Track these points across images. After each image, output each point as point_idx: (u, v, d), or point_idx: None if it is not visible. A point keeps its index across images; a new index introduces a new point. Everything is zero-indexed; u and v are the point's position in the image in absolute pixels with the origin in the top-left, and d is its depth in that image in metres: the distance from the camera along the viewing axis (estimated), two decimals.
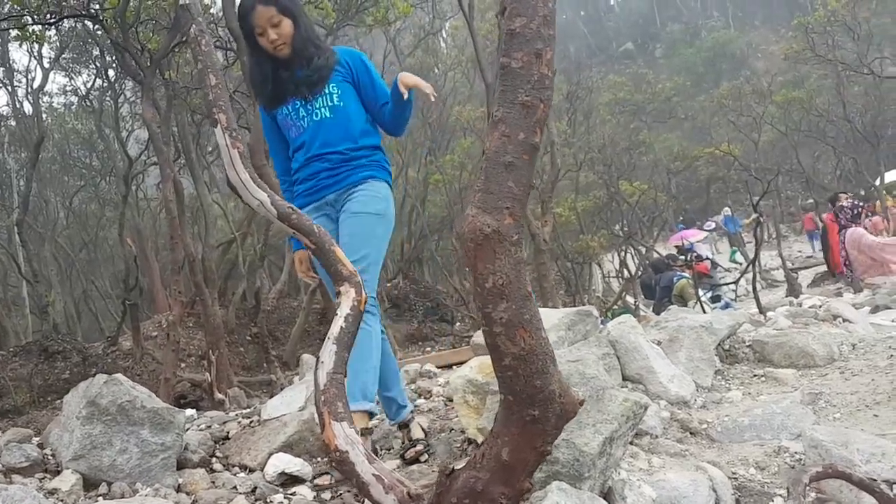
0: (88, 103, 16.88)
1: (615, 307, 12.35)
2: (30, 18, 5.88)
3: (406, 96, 2.87)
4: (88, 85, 17.11)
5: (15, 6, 6.21)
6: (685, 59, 49.87)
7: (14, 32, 7.50)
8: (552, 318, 4.54)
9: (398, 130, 3.19)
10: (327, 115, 3.01)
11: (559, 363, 1.54)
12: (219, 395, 9.50)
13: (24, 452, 3.19)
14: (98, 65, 15.78)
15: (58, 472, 3.09)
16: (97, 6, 6.40)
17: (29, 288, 15.48)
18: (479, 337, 4.41)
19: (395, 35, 14.21)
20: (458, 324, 17.09)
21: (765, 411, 3.20)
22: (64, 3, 6.15)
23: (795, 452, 2.82)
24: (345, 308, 1.84)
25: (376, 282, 3.03)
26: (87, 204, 20.25)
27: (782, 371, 4.00)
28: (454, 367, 5.51)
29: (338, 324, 1.81)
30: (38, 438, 3.43)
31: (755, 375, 4.03)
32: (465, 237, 1.36)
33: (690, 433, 3.29)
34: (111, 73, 15.35)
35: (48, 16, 5.84)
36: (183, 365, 12.06)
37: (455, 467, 1.62)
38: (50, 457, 3.25)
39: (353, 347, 2.96)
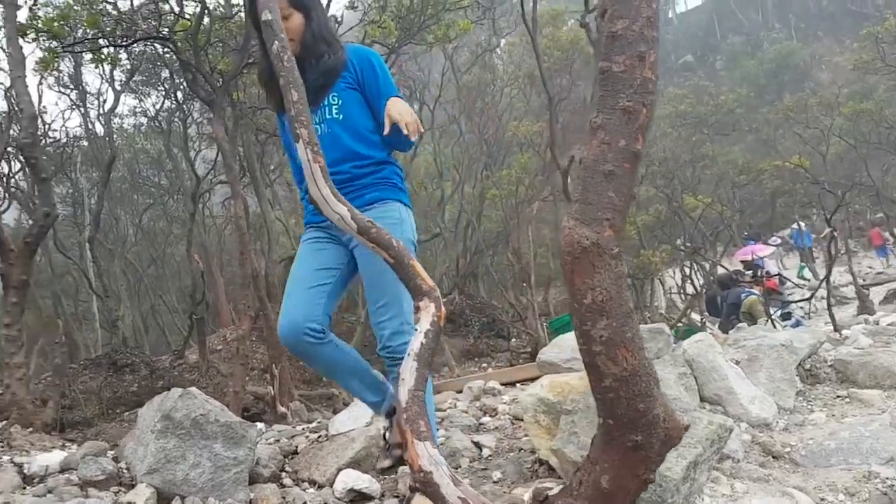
0: (157, 124, 17.46)
1: (679, 324, 12.05)
2: (104, 41, 6.10)
3: (386, 131, 2.54)
4: (157, 106, 17.70)
5: (88, 29, 6.44)
6: (747, 70, 48.80)
7: (88, 56, 7.82)
8: None
9: (399, 149, 2.90)
10: (325, 129, 2.71)
11: None
12: (281, 409, 9.61)
13: (99, 466, 3.24)
14: (167, 86, 16.32)
15: (132, 486, 3.13)
16: (167, 28, 6.61)
17: (99, 303, 16.01)
18: (546, 354, 4.33)
19: (453, 52, 14.28)
20: (514, 339, 16.94)
21: (852, 434, 3.05)
22: (135, 27, 6.37)
23: (887, 478, 2.67)
24: (424, 324, 1.81)
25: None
26: (156, 221, 20.90)
27: (867, 392, 3.81)
28: (518, 384, 5.43)
29: (418, 340, 1.78)
30: (112, 452, 3.50)
31: (838, 396, 3.84)
32: (562, 250, 1.30)
33: (773, 457, 3.16)
34: (179, 94, 15.86)
35: (121, 39, 6.04)
36: (246, 378, 12.25)
37: (549, 493, 1.56)
38: (125, 470, 3.31)
39: None
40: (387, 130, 2.52)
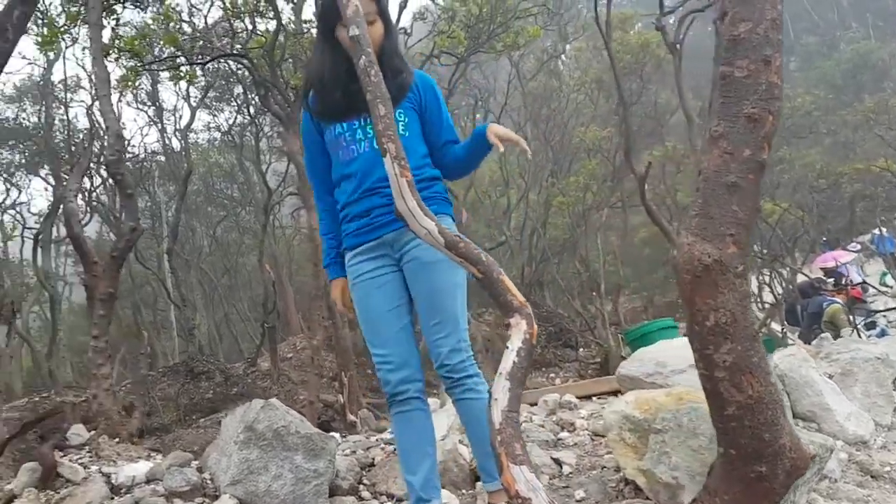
0: (230, 138, 17.97)
1: (759, 334, 11.61)
2: (183, 59, 6.29)
3: (501, 148, 2.48)
4: (230, 121, 18.22)
5: (166, 46, 6.65)
6: (823, 71, 46.98)
7: (166, 73, 8.10)
8: None
9: (458, 175, 2.81)
10: None
11: None
12: (351, 417, 9.68)
13: (184, 477, 3.30)
14: (239, 102, 16.78)
15: (216, 497, 3.17)
16: (239, 45, 6.77)
17: (176, 312, 16.53)
18: (626, 368, 4.21)
19: (519, 59, 14.20)
20: (582, 349, 16.67)
21: None
22: (209, 45, 6.55)
23: None
24: (516, 342, 1.75)
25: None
26: (229, 232, 21.49)
27: None
28: (594, 397, 5.30)
29: (510, 358, 1.72)
30: (196, 462, 3.55)
31: None
32: (681, 268, 1.21)
33: (871, 476, 2.99)
34: (251, 109, 16.29)
35: (199, 56, 6.21)
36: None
37: None
38: (208, 481, 3.35)
39: (475, 421, 2.60)
40: (501, 148, 2.48)
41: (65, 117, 15.76)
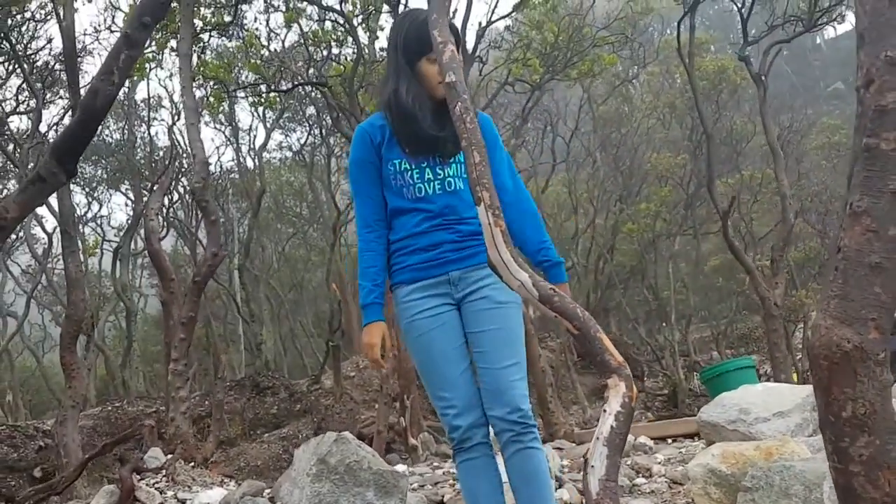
0: (301, 157, 18.36)
1: None
2: (265, 87, 6.46)
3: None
4: (302, 141, 18.63)
5: (250, 73, 6.83)
6: None
7: (244, 95, 8.34)
8: (793, 397, 4.07)
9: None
10: (461, 186, 2.50)
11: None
12: (412, 441, 9.64)
13: None
14: (311, 123, 17.14)
15: None
16: (314, 71, 6.90)
17: (244, 325, 16.88)
18: (707, 413, 4.04)
19: (590, 83, 14.08)
20: (648, 380, 16.28)
21: None
22: (288, 70, 6.70)
23: None
24: (614, 405, 1.66)
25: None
26: (296, 249, 21.89)
27: None
28: (670, 439, 5.12)
29: (607, 423, 1.63)
30: (268, 491, 3.56)
31: None
32: (817, 353, 1.12)
33: None
34: (322, 130, 16.62)
35: (280, 83, 6.36)
36: (376, 406, 12.48)
37: None
38: None
39: (534, 475, 2.39)
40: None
41: (146, 136, 16.41)
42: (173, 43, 6.44)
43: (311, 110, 16.35)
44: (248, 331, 16.73)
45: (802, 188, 15.29)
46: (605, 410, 1.70)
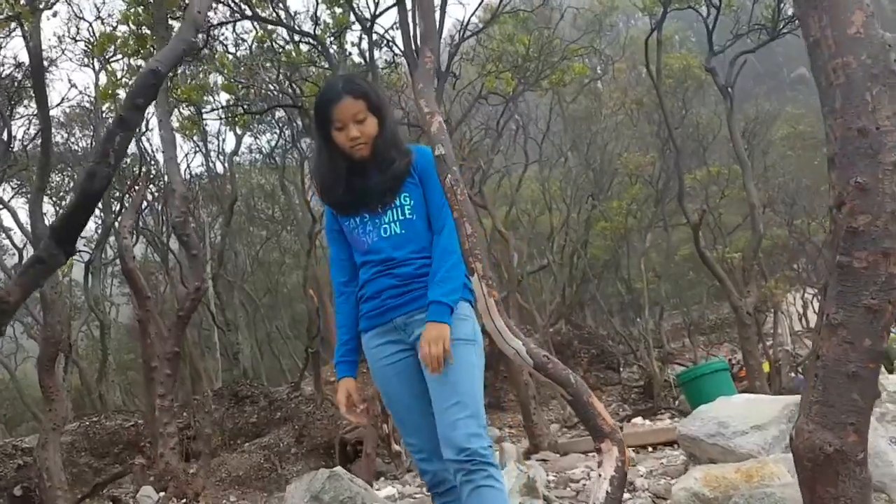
0: (272, 161, 18.25)
1: (808, 362, 11.39)
2: (241, 109, 6.44)
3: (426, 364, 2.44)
4: (272, 143, 18.52)
5: (223, 91, 6.79)
6: None
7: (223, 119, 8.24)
8: (770, 410, 4.22)
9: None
10: (397, 230, 2.59)
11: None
12: (395, 447, 9.72)
13: None
14: (281, 125, 17.04)
15: None
16: (287, 90, 6.84)
17: (220, 334, 16.78)
18: (687, 427, 4.17)
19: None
20: (623, 371, 16.50)
21: None
22: (258, 88, 6.66)
23: None
24: (608, 469, 1.75)
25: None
26: (269, 253, 21.77)
27: None
28: (650, 447, 5.25)
29: (602, 488, 1.73)
30: None
31: None
32: (801, 455, 1.22)
33: None
34: (291, 132, 16.53)
35: (254, 104, 6.35)
36: (358, 409, 12.51)
37: None
38: None
39: None
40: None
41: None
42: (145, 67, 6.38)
43: (280, 112, 16.26)
44: (223, 338, 16.64)
45: (768, 180, 15.58)
46: (599, 475, 1.79)
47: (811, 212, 15.44)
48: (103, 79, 13.02)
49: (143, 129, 13.37)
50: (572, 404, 1.80)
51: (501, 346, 1.87)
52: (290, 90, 6.48)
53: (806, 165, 17.76)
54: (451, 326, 2.41)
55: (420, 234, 2.55)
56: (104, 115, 15.50)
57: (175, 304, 17.99)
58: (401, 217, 2.57)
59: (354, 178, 2.58)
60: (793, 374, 11.41)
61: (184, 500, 3.64)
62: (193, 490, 3.84)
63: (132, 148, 16.57)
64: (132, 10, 5.69)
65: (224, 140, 23.13)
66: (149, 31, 5.42)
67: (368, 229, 2.60)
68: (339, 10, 6.77)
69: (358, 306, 2.67)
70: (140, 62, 6.05)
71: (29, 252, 15.20)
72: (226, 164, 17.88)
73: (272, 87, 8.32)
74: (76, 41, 12.87)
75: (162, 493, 3.72)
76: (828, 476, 1.17)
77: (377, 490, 5.22)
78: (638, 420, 10.13)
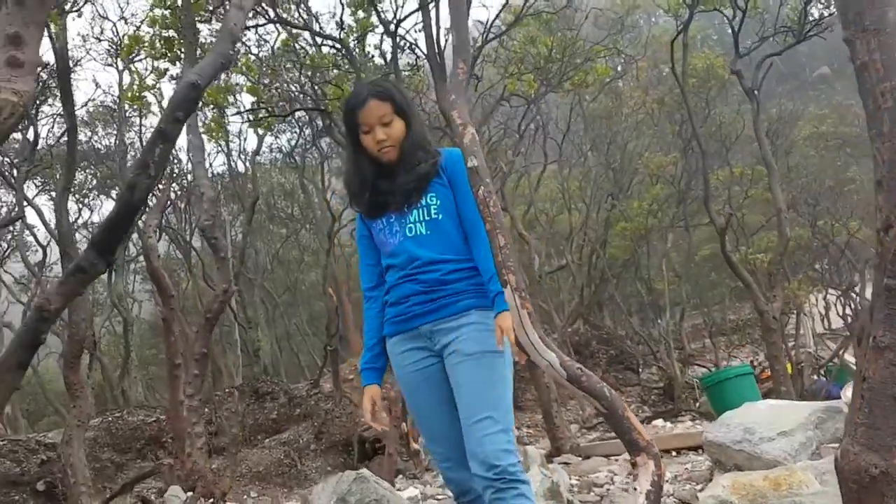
0: (292, 160, 18.36)
1: (830, 364, 11.30)
2: (265, 111, 6.50)
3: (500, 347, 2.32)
4: (292, 143, 18.63)
5: (249, 94, 6.85)
6: None
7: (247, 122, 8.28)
8: (795, 416, 4.19)
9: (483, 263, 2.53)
10: (423, 231, 2.56)
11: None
12: (414, 446, 9.76)
13: None
14: (300, 125, 17.13)
15: None
16: (310, 94, 6.88)
17: (241, 331, 16.93)
18: (713, 434, 4.16)
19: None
20: (643, 372, 16.42)
21: None
22: (283, 91, 6.70)
23: None
24: (644, 483, 1.76)
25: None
26: (289, 250, 21.92)
27: None
28: (674, 452, 5.24)
29: (638, 502, 1.73)
30: None
31: None
32: (847, 477, 1.22)
33: None
34: (311, 130, 16.61)
35: (279, 108, 6.40)
36: (382, 416, 12.57)
37: None
38: None
39: None
40: (501, 348, 2.33)
41: (136, 142, 16.37)
42: (172, 70, 6.52)
43: (300, 112, 16.34)
44: (244, 335, 16.78)
45: (791, 181, 15.43)
46: (635, 488, 1.79)
47: (834, 213, 15.26)
48: (126, 78, 13.24)
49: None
50: (607, 418, 1.81)
51: (535, 359, 1.88)
52: (311, 91, 6.53)
53: (829, 166, 17.56)
54: (482, 337, 2.37)
55: (447, 236, 2.53)
56: (127, 114, 15.72)
57: (197, 301, 18.26)
58: (426, 217, 2.55)
59: (381, 181, 2.60)
60: (815, 377, 11.33)
61: (211, 500, 3.69)
62: (220, 490, 3.89)
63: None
64: (159, 14, 5.78)
65: (245, 139, 23.29)
66: (175, 34, 5.50)
67: (395, 230, 2.59)
68: (362, 14, 6.83)
69: (384, 311, 2.66)
70: (167, 65, 6.16)
71: (53, 249, 15.42)
72: (247, 164, 18.01)
73: (293, 88, 8.39)
74: (100, 41, 13.05)
75: (190, 493, 3.77)
76: (873, 498, 1.17)
77: (399, 490, 5.25)
78: (658, 422, 10.09)
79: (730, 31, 8.43)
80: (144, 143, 16.98)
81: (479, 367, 2.37)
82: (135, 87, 6.60)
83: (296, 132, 18.07)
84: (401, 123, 2.55)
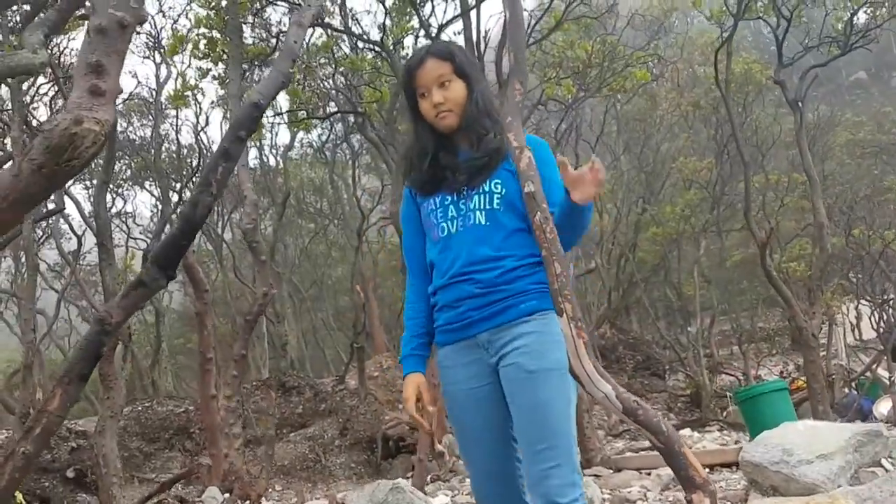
0: (323, 155, 18.49)
1: (862, 378, 11.11)
2: (304, 113, 6.56)
3: (590, 197, 2.04)
4: (323, 138, 18.76)
5: (288, 95, 6.90)
6: None
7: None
8: (835, 439, 4.13)
9: (568, 245, 2.18)
10: (482, 220, 2.24)
11: None
12: (438, 447, 9.78)
13: None
14: (332, 120, 17.23)
15: None
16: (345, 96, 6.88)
17: (268, 324, 17.09)
18: (750, 453, 4.11)
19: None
20: (669, 378, 16.29)
21: None
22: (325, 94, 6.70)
23: None
24: None
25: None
26: (316, 245, 22.10)
27: None
28: (707, 468, 5.18)
29: None
30: None
31: None
32: None
33: None
34: (342, 126, 16.73)
35: (318, 109, 6.45)
36: (400, 406, 12.65)
37: None
38: None
39: None
40: (589, 196, 2.05)
41: (171, 134, 16.60)
42: (214, 70, 6.60)
43: (332, 106, 16.45)
44: (273, 331, 16.94)
45: (827, 188, 15.19)
46: None
47: (870, 222, 14.99)
48: (164, 71, 13.42)
49: (203, 124, 13.70)
50: (663, 453, 1.79)
51: (590, 391, 1.87)
52: (346, 90, 6.56)
53: (865, 174, 17.26)
54: (545, 350, 2.13)
55: (505, 232, 2.23)
56: (163, 107, 15.93)
57: (226, 293, 18.45)
58: (487, 206, 2.25)
59: (441, 154, 2.29)
60: (846, 390, 11.14)
61: (248, 502, 3.75)
62: (256, 492, 3.94)
63: (189, 140, 16.96)
64: (203, 14, 5.83)
65: (276, 134, 23.48)
66: (219, 35, 5.56)
67: (451, 215, 2.28)
68: (405, 19, 6.86)
69: (431, 310, 2.36)
70: (209, 65, 6.23)
71: (87, 238, 15.67)
72: (279, 159, 18.15)
73: (327, 85, 8.43)
74: (138, 34, 13.22)
75: (227, 495, 3.82)
76: None
77: (428, 495, 5.26)
78: (686, 432, 9.99)
79: (769, 35, 8.32)
80: (179, 135, 17.22)
81: (544, 386, 2.12)
82: (178, 87, 6.73)
83: (327, 128, 18.19)
84: (461, 85, 2.27)
